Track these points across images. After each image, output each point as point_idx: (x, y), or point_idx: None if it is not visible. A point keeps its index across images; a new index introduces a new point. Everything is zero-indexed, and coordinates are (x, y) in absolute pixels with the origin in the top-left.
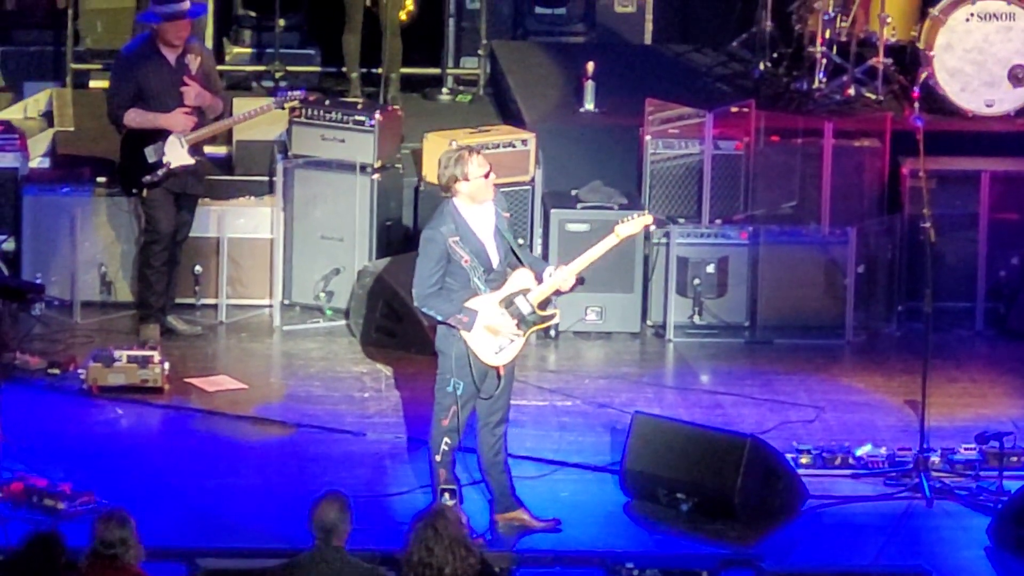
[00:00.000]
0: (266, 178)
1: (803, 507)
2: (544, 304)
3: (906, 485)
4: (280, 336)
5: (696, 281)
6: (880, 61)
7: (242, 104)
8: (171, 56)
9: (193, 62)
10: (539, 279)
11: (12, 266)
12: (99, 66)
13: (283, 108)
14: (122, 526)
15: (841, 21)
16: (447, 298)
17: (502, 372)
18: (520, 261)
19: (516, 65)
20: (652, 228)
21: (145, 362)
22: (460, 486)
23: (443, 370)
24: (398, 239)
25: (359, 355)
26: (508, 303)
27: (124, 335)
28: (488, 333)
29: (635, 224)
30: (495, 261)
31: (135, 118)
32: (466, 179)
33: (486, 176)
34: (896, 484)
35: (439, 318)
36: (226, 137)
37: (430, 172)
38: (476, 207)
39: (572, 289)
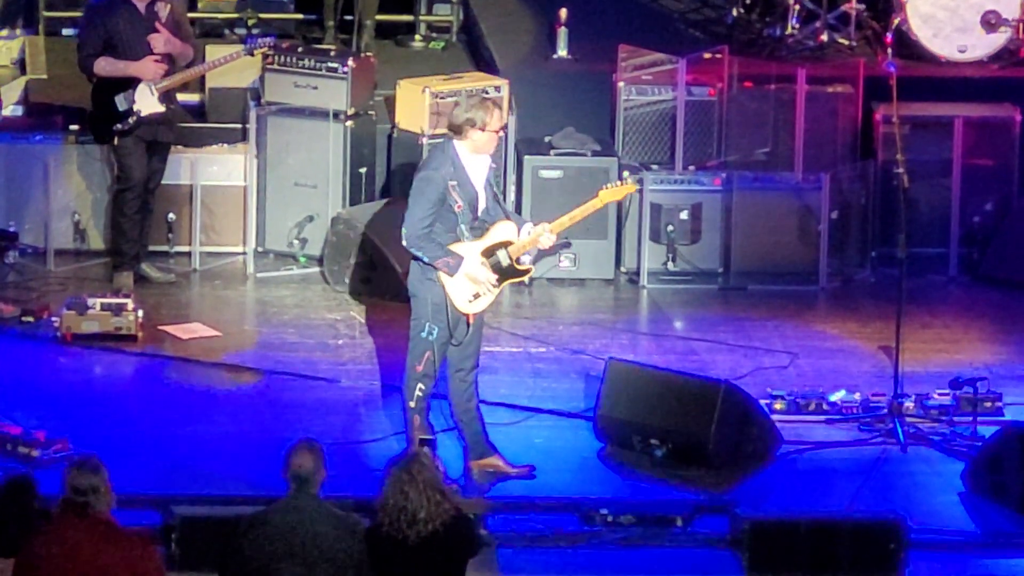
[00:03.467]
0: (239, 125)
1: (777, 453)
2: (520, 258)
3: (880, 431)
4: (254, 283)
5: (670, 228)
6: (853, 7)
7: (215, 52)
8: (140, 4)
9: (163, 10)
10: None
11: None
12: (72, 14)
13: (253, 55)
14: (94, 473)
15: None
16: (434, 240)
17: (471, 320)
18: (504, 213)
19: (489, 12)
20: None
21: (119, 310)
22: (435, 433)
23: (418, 315)
24: (371, 186)
25: (333, 302)
26: (489, 254)
27: (98, 283)
28: (468, 281)
29: (619, 191)
30: (481, 209)
31: (104, 66)
32: (482, 129)
33: (497, 132)
34: (870, 430)
35: (425, 259)
36: (199, 84)
37: (403, 119)
38: (475, 155)
39: (552, 249)
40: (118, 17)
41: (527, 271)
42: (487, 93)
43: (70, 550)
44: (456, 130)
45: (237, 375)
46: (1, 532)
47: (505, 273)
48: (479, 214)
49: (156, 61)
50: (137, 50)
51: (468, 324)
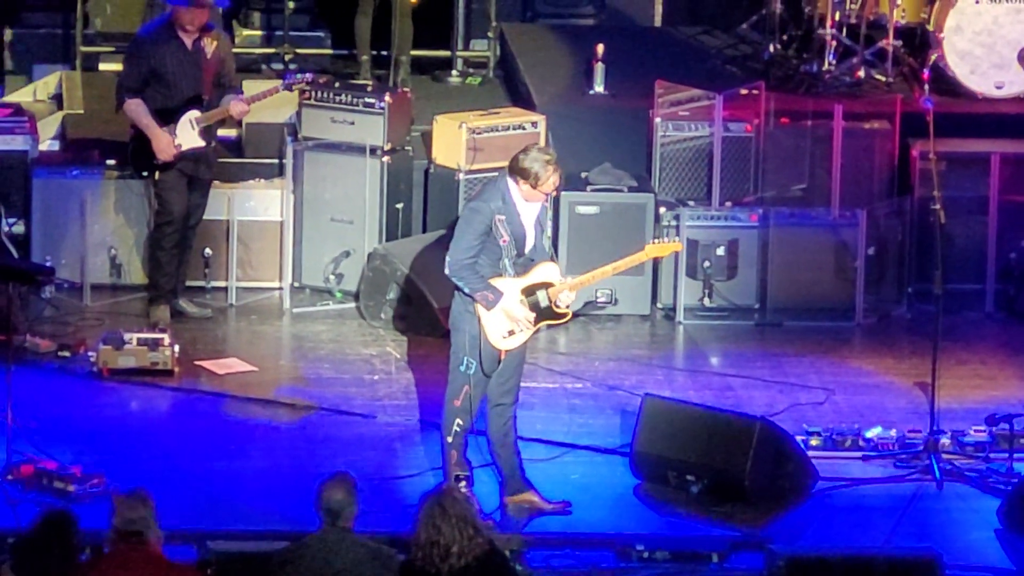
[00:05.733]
0: (276, 161)
1: (813, 489)
2: (559, 302)
3: (916, 467)
4: (290, 318)
5: (706, 263)
6: (890, 43)
7: (251, 86)
8: (188, 40)
9: (209, 46)
10: None
11: (22, 249)
12: (108, 49)
13: (291, 91)
14: (144, 505)
15: (851, 3)
16: (477, 272)
17: (503, 356)
18: (548, 255)
19: (526, 47)
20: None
21: (155, 345)
22: (472, 469)
23: (457, 348)
24: (407, 221)
25: (369, 337)
26: (530, 292)
27: (134, 318)
28: (505, 317)
29: (665, 248)
30: (528, 247)
31: (134, 110)
32: (533, 185)
33: (546, 194)
34: (906, 466)
35: (466, 290)
36: (236, 119)
37: (440, 154)
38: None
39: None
40: (165, 51)
41: (565, 315)
42: (547, 152)
43: None
44: (513, 169)
45: (273, 410)
46: (42, 566)
47: (543, 314)
48: (526, 252)
49: (176, 147)
50: (182, 84)
51: (499, 360)
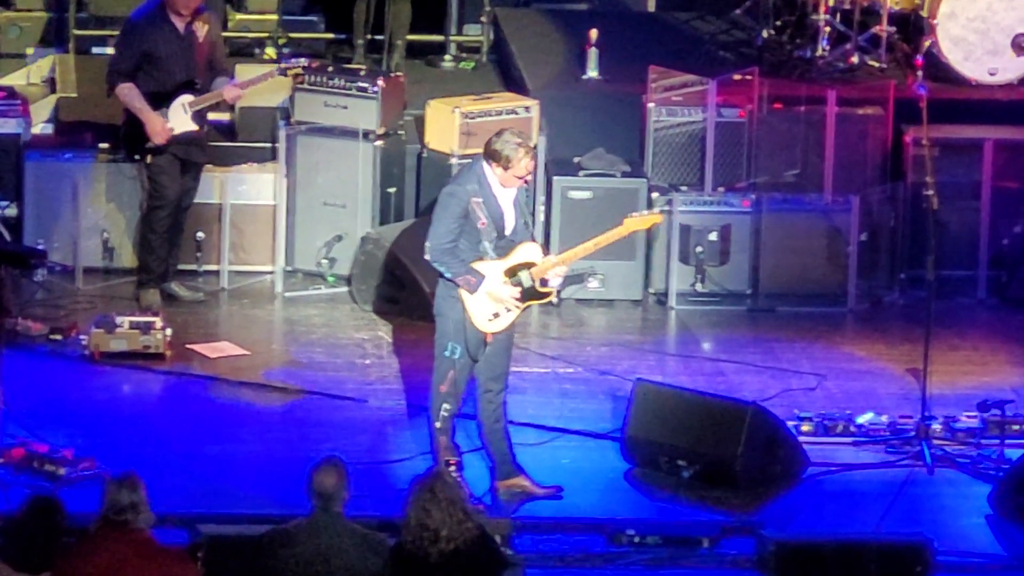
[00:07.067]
0: (269, 144)
1: (804, 475)
2: (544, 281)
3: (907, 453)
4: (282, 302)
5: (698, 249)
6: (883, 29)
7: (244, 71)
8: (180, 24)
9: (200, 30)
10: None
11: (14, 232)
12: (102, 33)
13: (286, 75)
14: (133, 490)
15: None
16: (458, 256)
17: (490, 339)
18: (530, 235)
19: (519, 32)
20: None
21: (147, 328)
22: (461, 454)
23: (441, 333)
24: (400, 206)
25: (361, 321)
26: (512, 273)
27: (126, 301)
28: (489, 299)
29: (645, 220)
30: (508, 229)
31: (126, 94)
32: (505, 168)
33: (522, 180)
34: (897, 452)
35: (447, 275)
36: (229, 104)
37: (433, 139)
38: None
39: (579, 277)
40: (157, 35)
41: (549, 293)
42: (520, 136)
43: (109, 566)
44: (487, 152)
45: (265, 394)
46: (28, 550)
47: (527, 294)
48: (506, 234)
49: (169, 130)
50: (174, 69)
51: (485, 343)
